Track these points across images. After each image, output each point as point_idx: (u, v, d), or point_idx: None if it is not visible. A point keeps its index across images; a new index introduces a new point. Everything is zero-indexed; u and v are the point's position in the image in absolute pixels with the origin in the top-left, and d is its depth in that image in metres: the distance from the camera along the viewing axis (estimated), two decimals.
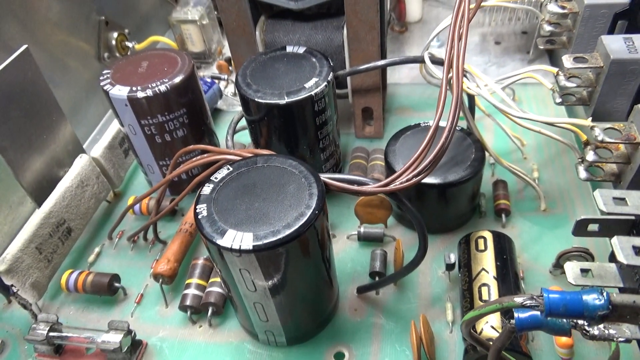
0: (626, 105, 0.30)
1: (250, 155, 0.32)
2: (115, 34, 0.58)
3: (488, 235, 0.34)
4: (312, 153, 0.40)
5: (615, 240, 0.21)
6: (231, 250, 0.26)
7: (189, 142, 0.43)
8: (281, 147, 0.39)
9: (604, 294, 0.18)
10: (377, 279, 0.36)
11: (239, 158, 0.33)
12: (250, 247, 0.26)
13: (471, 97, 0.38)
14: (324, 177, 0.31)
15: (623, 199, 0.20)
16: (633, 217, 0.21)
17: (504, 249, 0.33)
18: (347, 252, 0.39)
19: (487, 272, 0.32)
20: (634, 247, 0.21)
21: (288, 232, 0.26)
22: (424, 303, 0.35)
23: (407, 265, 0.33)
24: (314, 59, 0.39)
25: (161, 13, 0.65)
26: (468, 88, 0.34)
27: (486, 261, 0.32)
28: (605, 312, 0.18)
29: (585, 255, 0.33)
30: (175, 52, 0.42)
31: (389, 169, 0.38)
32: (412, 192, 0.37)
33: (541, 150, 0.45)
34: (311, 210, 0.27)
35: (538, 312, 0.20)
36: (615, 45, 0.28)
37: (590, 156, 0.25)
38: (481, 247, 0.33)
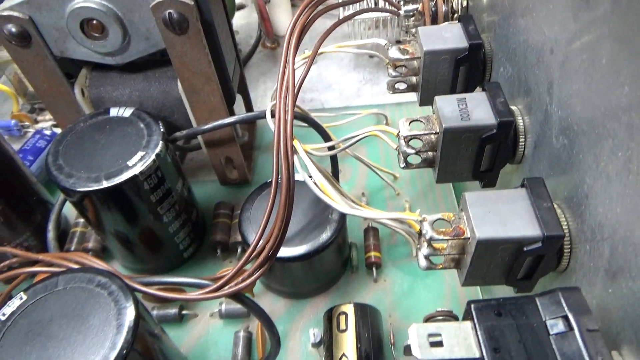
0: (469, 168, 0.28)
1: (61, 262, 0.27)
2: None
3: (350, 310, 0.31)
4: (158, 229, 0.35)
5: (412, 329, 0.18)
6: None
7: (14, 226, 0.36)
8: (117, 229, 0.34)
9: None
10: None
11: (47, 269, 0.28)
12: None
13: (333, 159, 0.35)
14: (145, 282, 0.27)
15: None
16: None
17: (366, 324, 0.31)
18: (209, 334, 0.35)
19: (347, 357, 0.29)
20: (430, 335, 0.18)
21: None
22: None
23: None
24: (141, 124, 0.33)
25: None
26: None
27: (347, 344, 0.30)
28: None
29: (450, 318, 0.31)
30: None
31: (245, 242, 0.34)
32: (275, 264, 0.33)
33: (414, 183, 0.44)
34: (117, 352, 0.22)
35: None
36: (448, 109, 0.26)
37: (424, 249, 0.23)
38: (342, 326, 0.31)
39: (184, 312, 0.36)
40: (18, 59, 0.33)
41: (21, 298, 0.25)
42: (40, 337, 0.23)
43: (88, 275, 0.25)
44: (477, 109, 0.26)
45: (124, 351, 0.22)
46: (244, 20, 0.64)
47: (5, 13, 0.30)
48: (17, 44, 0.32)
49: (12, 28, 0.31)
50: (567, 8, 0.20)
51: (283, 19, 0.59)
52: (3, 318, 0.24)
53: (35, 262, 0.31)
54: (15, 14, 0.31)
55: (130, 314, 0.24)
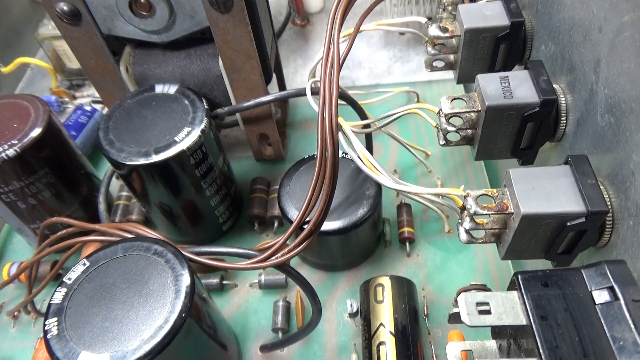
0: (509, 145, 0.28)
1: (115, 232, 0.29)
2: None
3: (386, 283, 0.32)
4: (200, 202, 0.36)
5: (461, 297, 0.20)
6: None
7: (63, 199, 0.38)
8: (162, 200, 0.35)
9: None
10: (280, 334, 0.34)
11: (102, 238, 0.29)
12: None
13: (368, 136, 0.36)
14: (196, 252, 0.28)
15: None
16: None
17: (402, 296, 0.32)
18: (249, 302, 0.37)
19: (385, 326, 0.30)
20: (478, 304, 0.19)
21: (149, 347, 0.23)
22: (330, 355, 0.34)
23: (304, 328, 0.31)
24: (186, 101, 0.34)
25: (35, 19, 0.57)
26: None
27: (384, 314, 0.31)
28: None
29: (484, 291, 0.32)
30: (27, 100, 0.37)
31: (284, 216, 0.35)
32: None
33: (446, 160, 0.44)
34: (176, 315, 0.24)
35: None
36: (491, 88, 0.26)
37: (466, 223, 0.24)
38: (379, 297, 0.32)
39: (224, 282, 0.38)
40: (68, 36, 0.34)
41: (84, 264, 0.27)
42: (104, 300, 0.25)
43: (145, 244, 0.27)
44: (520, 87, 0.26)
45: (183, 314, 0.24)
46: None
47: None
48: (68, 22, 0.33)
49: (64, 6, 0.32)
50: None
51: None
52: (69, 282, 0.26)
53: (88, 232, 0.33)
54: None
55: (186, 280, 0.25)
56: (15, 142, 0.34)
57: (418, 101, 0.49)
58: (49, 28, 0.53)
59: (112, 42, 0.37)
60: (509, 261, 0.37)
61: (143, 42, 0.37)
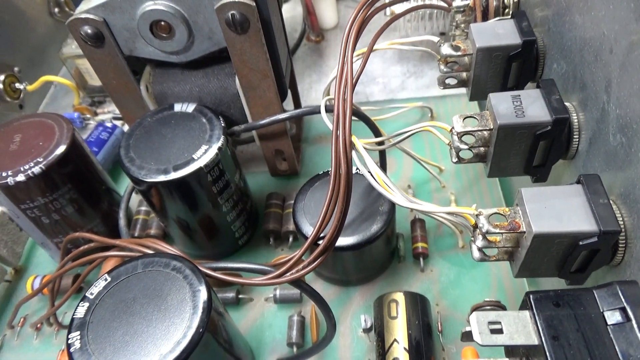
0: (521, 163, 0.28)
1: (135, 247, 0.30)
2: (1, 77, 0.53)
3: (400, 298, 0.33)
4: (216, 218, 0.37)
5: (473, 316, 0.20)
6: None
7: (85, 213, 0.39)
8: (180, 216, 0.36)
9: None
10: (295, 349, 0.35)
11: (122, 253, 0.30)
12: None
13: (382, 153, 0.36)
14: (213, 267, 0.29)
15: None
16: None
17: (416, 312, 0.32)
18: (265, 317, 0.38)
19: (399, 342, 0.31)
20: (490, 323, 0.19)
21: None
22: None
23: (318, 343, 0.31)
24: (204, 119, 0.35)
25: (58, 38, 0.59)
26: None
27: (397, 330, 0.31)
28: None
29: (498, 308, 0.32)
30: (52, 118, 0.38)
31: (299, 232, 0.35)
32: None
33: (460, 176, 0.44)
34: (194, 330, 0.25)
35: None
36: (503, 106, 0.27)
37: (479, 242, 0.24)
38: (393, 313, 0.32)
39: (240, 296, 0.38)
40: (91, 57, 0.35)
41: (105, 279, 0.27)
42: (125, 315, 0.26)
43: (164, 260, 0.28)
44: (532, 105, 0.26)
45: (200, 329, 0.25)
46: (288, 14, 0.66)
47: (83, 16, 0.33)
48: (92, 44, 0.34)
49: (88, 29, 0.33)
50: (630, 9, 0.21)
51: (328, 12, 0.61)
52: (91, 297, 0.27)
53: (109, 247, 0.34)
54: (91, 16, 0.33)
55: (203, 295, 0.26)
56: (41, 159, 0.35)
57: (432, 116, 0.49)
58: (72, 47, 0.55)
59: (132, 62, 0.38)
60: (530, 278, 0.37)
61: (162, 62, 0.38)
